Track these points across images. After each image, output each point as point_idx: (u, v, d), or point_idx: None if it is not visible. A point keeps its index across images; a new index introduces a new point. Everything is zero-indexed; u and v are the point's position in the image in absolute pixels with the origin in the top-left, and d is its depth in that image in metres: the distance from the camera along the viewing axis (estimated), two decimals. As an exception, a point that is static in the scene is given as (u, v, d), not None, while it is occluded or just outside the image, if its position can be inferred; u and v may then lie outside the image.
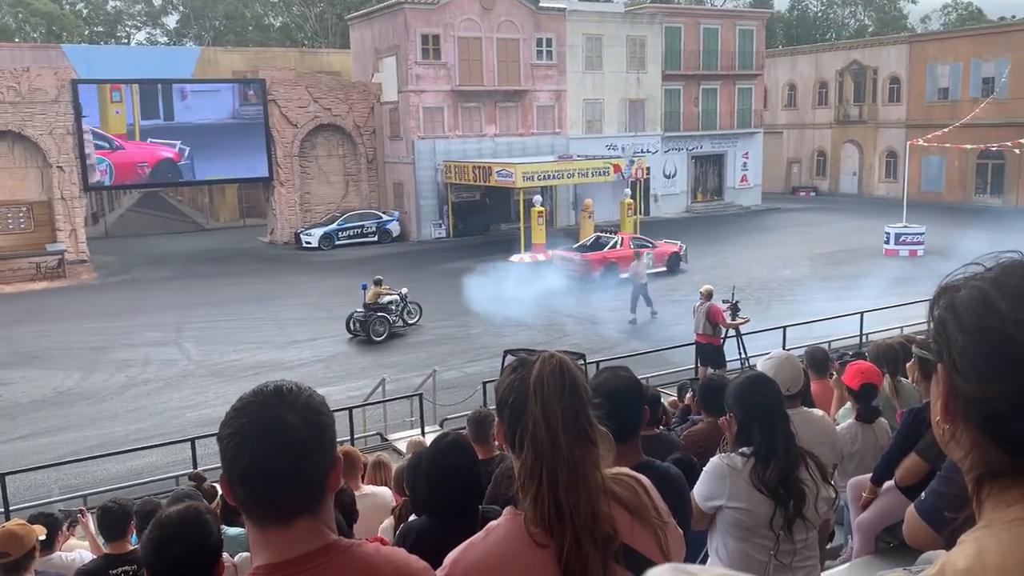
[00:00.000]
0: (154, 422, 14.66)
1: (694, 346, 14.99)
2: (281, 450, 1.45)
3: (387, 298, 20.09)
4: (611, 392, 2.40)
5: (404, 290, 20.87)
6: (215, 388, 16.50)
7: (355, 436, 12.16)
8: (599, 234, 28.30)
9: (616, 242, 26.76)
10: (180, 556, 2.36)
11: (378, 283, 20.39)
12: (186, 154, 34.31)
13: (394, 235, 35.88)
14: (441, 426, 12.49)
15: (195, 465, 10.40)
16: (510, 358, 1.84)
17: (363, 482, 5.91)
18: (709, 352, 14.57)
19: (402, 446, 11.04)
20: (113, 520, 4.54)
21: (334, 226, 34.96)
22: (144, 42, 63.58)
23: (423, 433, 11.59)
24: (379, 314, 19.64)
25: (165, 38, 64.65)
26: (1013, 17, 61.00)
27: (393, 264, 30.74)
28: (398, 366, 17.20)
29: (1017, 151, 35.35)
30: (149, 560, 2.42)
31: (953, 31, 54.70)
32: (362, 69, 39.50)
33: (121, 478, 11.82)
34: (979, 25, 56.30)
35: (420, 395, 12.84)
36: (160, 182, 36.75)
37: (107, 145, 33.06)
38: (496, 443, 4.67)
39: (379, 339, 19.44)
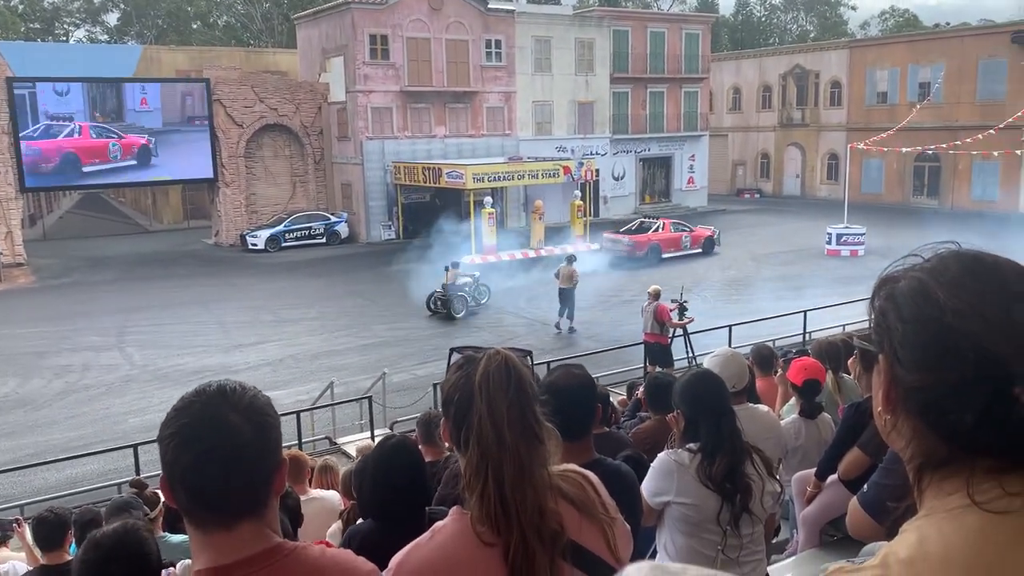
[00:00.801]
0: (94, 429, 14.28)
1: (643, 345, 15.15)
2: (223, 451, 1.41)
3: (462, 280, 22.17)
4: (563, 390, 2.40)
5: (477, 273, 23.18)
6: (159, 393, 16.13)
7: (303, 440, 12.01)
8: (643, 219, 31.64)
9: (658, 226, 30.14)
10: None
11: (455, 266, 22.43)
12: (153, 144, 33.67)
13: (343, 237, 35.52)
14: (391, 429, 12.41)
15: (138, 472, 10.15)
16: (456, 356, 1.82)
17: (310, 486, 5.83)
18: (657, 351, 14.75)
19: (351, 450, 10.95)
20: (49, 530, 4.40)
21: (281, 228, 34.47)
22: (83, 40, 61.93)
23: (372, 436, 11.50)
24: (459, 294, 21.75)
25: (106, 36, 63.06)
26: (947, 24, 62.97)
27: (342, 266, 30.47)
28: (347, 369, 17.03)
29: (952, 153, 36.51)
30: None
31: (891, 37, 56.24)
32: (309, 69, 39.06)
33: (59, 487, 11.48)
34: (915, 32, 57.97)
35: (369, 398, 12.73)
36: (101, 183, 35.82)
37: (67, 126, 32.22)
38: (446, 444, 4.64)
39: (459, 315, 21.54)
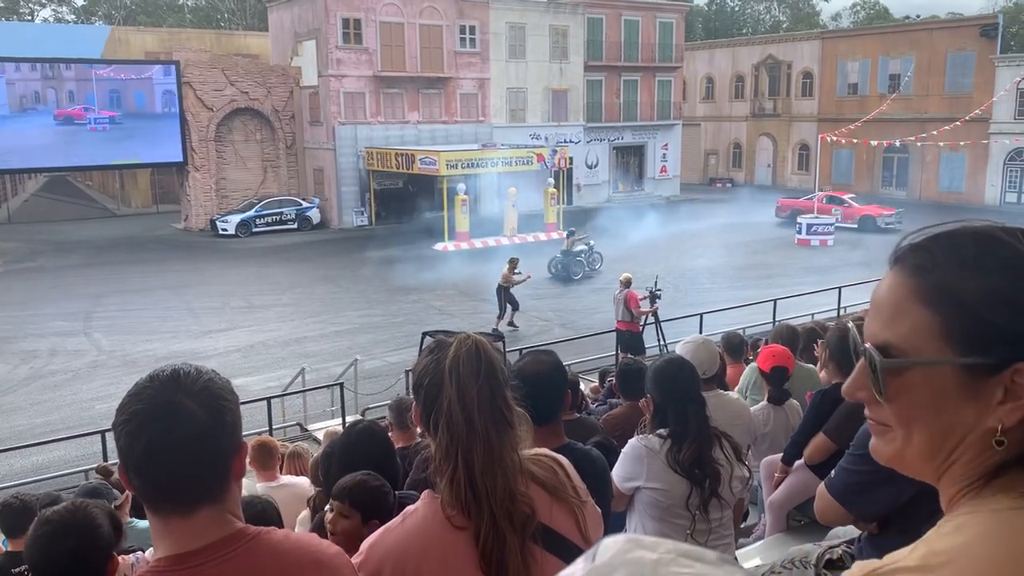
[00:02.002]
0: (61, 415, 14.09)
1: (615, 333, 15.23)
2: (176, 436, 1.39)
3: (579, 247, 24.65)
4: (532, 375, 2.41)
5: (592, 242, 25.26)
6: (127, 379, 15.83)
7: (274, 426, 11.93)
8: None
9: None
10: (66, 554, 2.25)
11: (572, 234, 24.90)
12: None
13: (314, 222, 35.26)
14: (362, 415, 12.38)
15: (105, 458, 10.05)
16: (428, 340, 1.82)
17: (281, 472, 5.81)
18: (628, 339, 14.83)
19: (322, 436, 10.90)
20: (14, 516, 4.34)
21: (251, 213, 34.12)
22: (49, 19, 60.70)
23: (344, 423, 11.45)
24: (575, 259, 24.24)
25: (72, 16, 61.85)
26: (917, 16, 63.68)
27: (314, 252, 30.26)
28: (319, 355, 16.94)
29: (919, 145, 36.98)
30: (34, 559, 2.29)
31: (862, 29, 56.73)
32: (281, 53, 38.60)
33: (25, 473, 11.34)
34: (886, 24, 58.55)
35: (341, 384, 12.68)
36: (68, 165, 35.22)
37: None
38: (418, 430, 4.64)
39: (576, 278, 23.97)
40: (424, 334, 1.86)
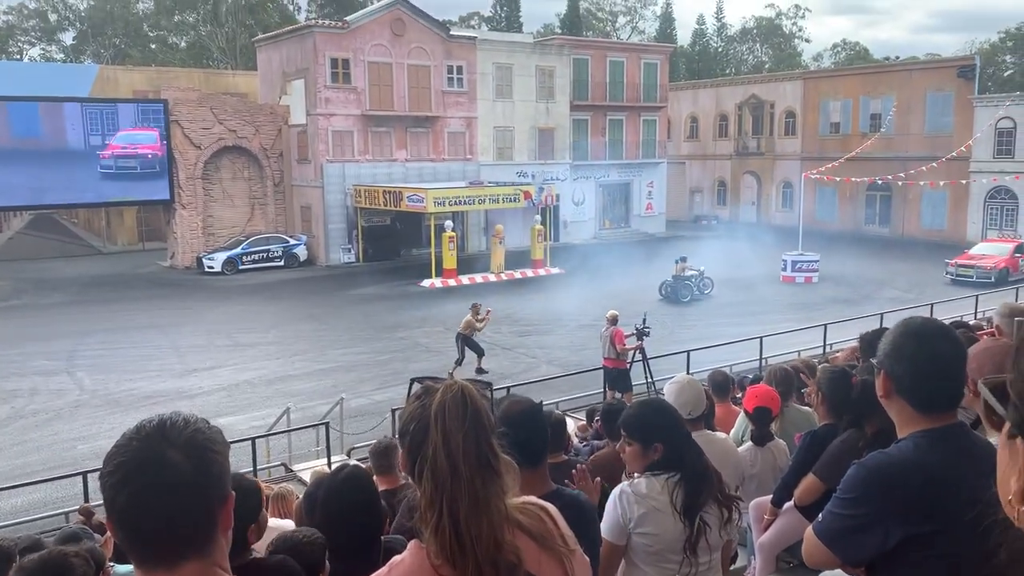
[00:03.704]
0: (42, 456, 13.88)
1: (602, 371, 15.21)
2: (161, 488, 1.37)
3: (689, 273, 26.69)
4: (511, 419, 2.39)
5: (702, 268, 27.16)
6: (110, 419, 15.76)
7: (258, 467, 11.79)
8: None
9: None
10: None
11: (683, 260, 26.89)
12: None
13: (301, 259, 35.23)
14: (348, 455, 12.26)
15: (87, 499, 9.87)
16: (416, 386, 1.81)
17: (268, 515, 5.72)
18: (616, 376, 14.81)
19: (307, 476, 10.77)
20: (-8, 562, 4.25)
21: (238, 250, 34.08)
22: (37, 58, 60.91)
23: (329, 463, 11.33)
24: (684, 283, 26.36)
25: (61, 55, 62.11)
26: (897, 58, 64.90)
27: (300, 289, 30.19)
28: (304, 394, 16.82)
29: (900, 183, 37.45)
30: None
31: (843, 69, 57.73)
32: (269, 91, 38.87)
33: (4, 516, 11.13)
34: (866, 64, 59.61)
35: (326, 424, 12.56)
36: (55, 203, 35.13)
37: None
38: (402, 472, 4.60)
39: (684, 300, 26.01)
40: (412, 380, 1.86)
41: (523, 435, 2.29)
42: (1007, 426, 0.89)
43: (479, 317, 18.57)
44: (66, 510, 10.46)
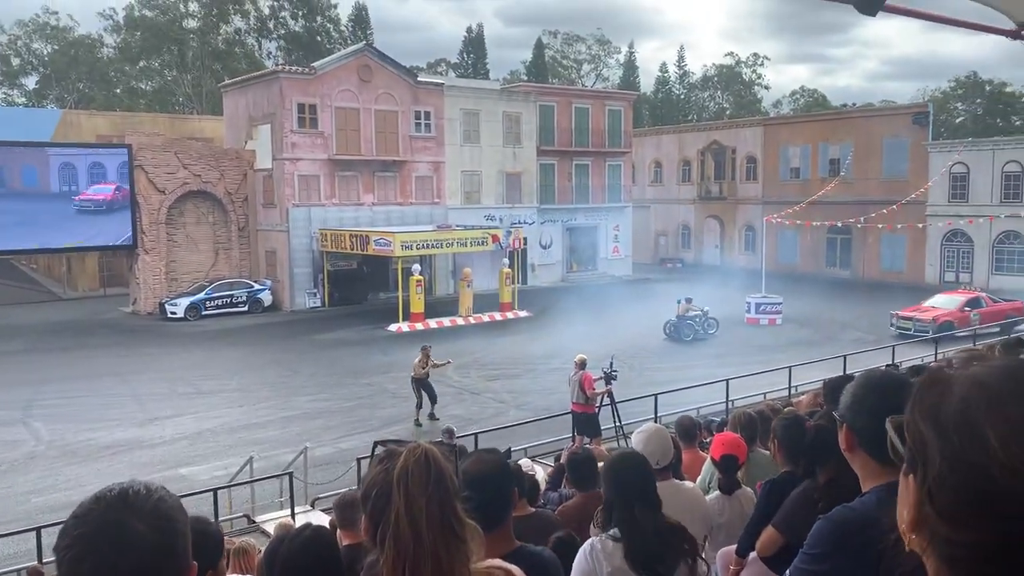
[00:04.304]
0: (-6, 510, 13.43)
1: (571, 415, 15.12)
2: (123, 560, 1.33)
3: (693, 313, 27.33)
4: (476, 479, 2.36)
5: (707, 308, 27.65)
6: (67, 470, 15.34)
7: (220, 519, 11.51)
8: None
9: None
10: None
11: (689, 301, 27.54)
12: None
13: (266, 304, 34.87)
14: (312, 506, 12.05)
15: (40, 556, 9.55)
16: (380, 449, 1.79)
17: (228, 570, 5.57)
18: (585, 420, 14.73)
19: (271, 528, 10.54)
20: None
21: (202, 295, 33.66)
22: (-1, 103, 60.31)
23: (293, 514, 11.11)
24: (687, 322, 26.95)
25: (24, 99, 61.58)
26: (854, 104, 66.72)
27: (265, 335, 29.83)
28: (268, 442, 16.52)
29: (859, 227, 38.23)
30: None
31: (802, 116, 59.21)
32: (235, 136, 38.81)
33: (-48, 575, 10.72)
34: (824, 111, 61.17)
35: (290, 474, 12.33)
36: (14, 248, 34.51)
37: None
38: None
39: (687, 339, 26.61)
40: (375, 443, 1.83)
41: (487, 498, 2.26)
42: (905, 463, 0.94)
43: (434, 363, 18.09)
44: (17, 567, 10.12)
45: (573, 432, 14.95)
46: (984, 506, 0.80)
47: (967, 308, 27.83)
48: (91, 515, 1.36)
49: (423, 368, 17.96)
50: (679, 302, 27.68)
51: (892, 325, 27.97)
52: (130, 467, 15.27)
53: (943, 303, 28.51)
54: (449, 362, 19.17)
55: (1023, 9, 6.46)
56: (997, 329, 25.72)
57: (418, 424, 17.80)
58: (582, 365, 15.10)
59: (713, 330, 27.63)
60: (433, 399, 18.10)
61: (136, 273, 35.19)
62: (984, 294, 29.86)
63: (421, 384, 18.02)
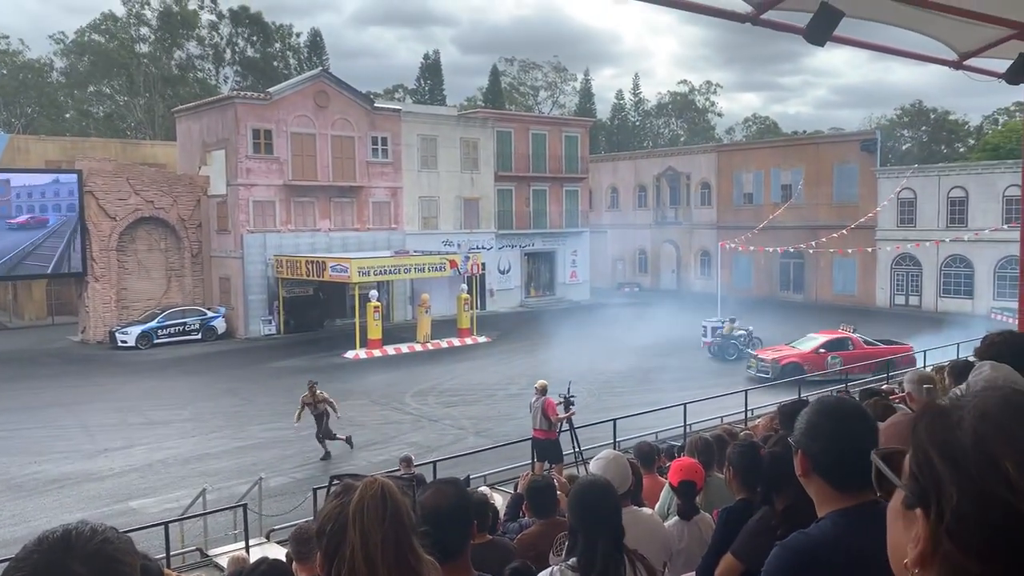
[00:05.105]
0: (-68, 549, 12.91)
1: (531, 441, 15.04)
2: None
3: (738, 332, 28.41)
4: (434, 512, 2.32)
5: (751, 327, 28.90)
6: (11, 505, 14.83)
7: (172, 553, 11.20)
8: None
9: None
10: None
11: (732, 320, 28.87)
12: None
13: (219, 332, 34.31)
14: (267, 538, 11.80)
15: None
16: (336, 483, 1.75)
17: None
18: (547, 447, 14.66)
19: (224, 562, 10.28)
20: None
21: (153, 323, 33.02)
22: (-57, 126, 58.83)
23: (247, 547, 10.86)
24: (731, 342, 28.13)
25: (-31, 123, 60.17)
26: (804, 132, 68.31)
27: (218, 363, 29.31)
28: (221, 473, 16.19)
29: (810, 251, 38.98)
30: None
31: (754, 143, 60.38)
32: (189, 162, 38.34)
33: None
34: (776, 138, 62.49)
35: (244, 505, 12.06)
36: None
37: None
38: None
39: (731, 358, 27.46)
40: (332, 477, 1.79)
41: (445, 532, 2.22)
42: (900, 495, 0.93)
43: (316, 398, 17.20)
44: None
45: (533, 458, 14.90)
46: (1009, 536, 0.79)
47: (823, 350, 24.68)
48: (31, 559, 1.31)
49: (310, 403, 17.14)
50: (724, 322, 29.01)
51: (748, 367, 25.36)
52: (78, 501, 14.84)
53: (802, 344, 25.56)
54: (335, 405, 17.69)
55: (965, 41, 6.68)
56: (869, 376, 22.48)
57: (326, 455, 17.20)
58: (543, 391, 15.06)
59: (754, 350, 26.51)
60: (327, 437, 17.24)
61: (86, 301, 34.42)
62: (856, 335, 25.84)
63: (317, 420, 17.17)
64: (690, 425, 16.47)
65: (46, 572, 1.29)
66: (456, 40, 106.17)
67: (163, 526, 11.11)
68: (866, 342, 25.41)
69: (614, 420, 15.98)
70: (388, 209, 39.44)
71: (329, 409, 17.29)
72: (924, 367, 17.37)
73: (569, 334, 32.87)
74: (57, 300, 40.75)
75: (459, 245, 40.02)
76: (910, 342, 26.32)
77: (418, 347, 31.87)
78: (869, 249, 41.69)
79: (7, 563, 1.35)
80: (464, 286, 34.31)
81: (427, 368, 27.78)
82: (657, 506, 5.48)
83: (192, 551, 12.06)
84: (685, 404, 17.13)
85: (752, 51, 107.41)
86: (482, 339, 33.44)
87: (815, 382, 21.74)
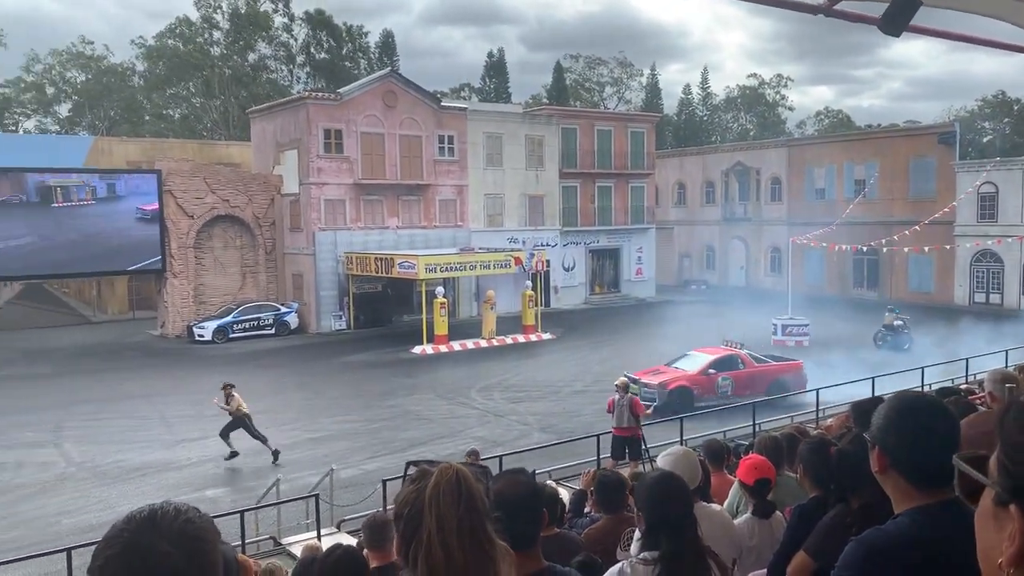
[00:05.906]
0: (26, 531, 13.56)
1: (611, 438, 14.84)
2: None
3: (897, 323, 28.88)
4: (508, 500, 2.36)
5: (907, 317, 29.41)
6: (97, 492, 15.48)
7: (246, 541, 11.54)
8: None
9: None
10: None
11: (892, 311, 29.52)
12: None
13: (292, 327, 35.13)
14: (338, 528, 12.05)
15: (69, 578, 9.62)
16: (412, 469, 1.80)
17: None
18: (631, 444, 14.55)
19: (297, 550, 10.55)
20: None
21: (229, 318, 33.99)
22: (32, 130, 61.60)
23: (319, 536, 11.12)
24: (904, 332, 28.55)
25: (57, 126, 62.86)
26: (879, 125, 66.34)
27: (291, 357, 30.02)
28: (294, 464, 16.59)
29: (884, 249, 37.84)
30: None
31: (827, 137, 58.87)
32: (263, 161, 39.33)
33: (-17, 596, 10.83)
34: (849, 132, 60.86)
35: (316, 496, 12.34)
36: (44, 274, 35.12)
37: None
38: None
39: (905, 349, 27.27)
40: (408, 463, 1.85)
41: (518, 519, 2.26)
42: (991, 494, 0.90)
43: (230, 398, 16.84)
44: (48, 588, 10.21)
45: (610, 454, 14.59)
46: None
47: (712, 371, 20.93)
48: (120, 537, 1.38)
49: (226, 406, 16.88)
50: (886, 312, 29.57)
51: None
52: (158, 489, 15.39)
53: (687, 364, 21.57)
54: (242, 408, 17.06)
55: (1051, 28, 6.40)
56: (762, 399, 18.63)
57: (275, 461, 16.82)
58: (625, 388, 15.00)
59: (907, 345, 28.22)
60: (225, 434, 16.78)
61: (164, 296, 35.64)
62: (744, 352, 22.01)
63: (241, 424, 16.83)
64: (758, 424, 16.19)
65: (135, 549, 1.36)
66: (523, 38, 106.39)
67: (239, 514, 11.45)
68: (756, 359, 21.91)
69: (680, 418, 15.83)
70: (454, 207, 39.78)
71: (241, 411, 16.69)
72: (1006, 367, 16.71)
73: (636, 331, 32.65)
74: (138, 295, 42.30)
75: (524, 242, 40.09)
76: (995, 345, 25.14)
77: (483, 343, 32.07)
78: (947, 246, 40.28)
79: (99, 541, 1.43)
80: (529, 283, 34.37)
81: (492, 364, 27.94)
82: (726, 503, 5.43)
83: (266, 539, 12.39)
84: (754, 403, 16.86)
85: (825, 43, 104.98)
86: (547, 336, 33.47)
87: (704, 413, 18.15)
